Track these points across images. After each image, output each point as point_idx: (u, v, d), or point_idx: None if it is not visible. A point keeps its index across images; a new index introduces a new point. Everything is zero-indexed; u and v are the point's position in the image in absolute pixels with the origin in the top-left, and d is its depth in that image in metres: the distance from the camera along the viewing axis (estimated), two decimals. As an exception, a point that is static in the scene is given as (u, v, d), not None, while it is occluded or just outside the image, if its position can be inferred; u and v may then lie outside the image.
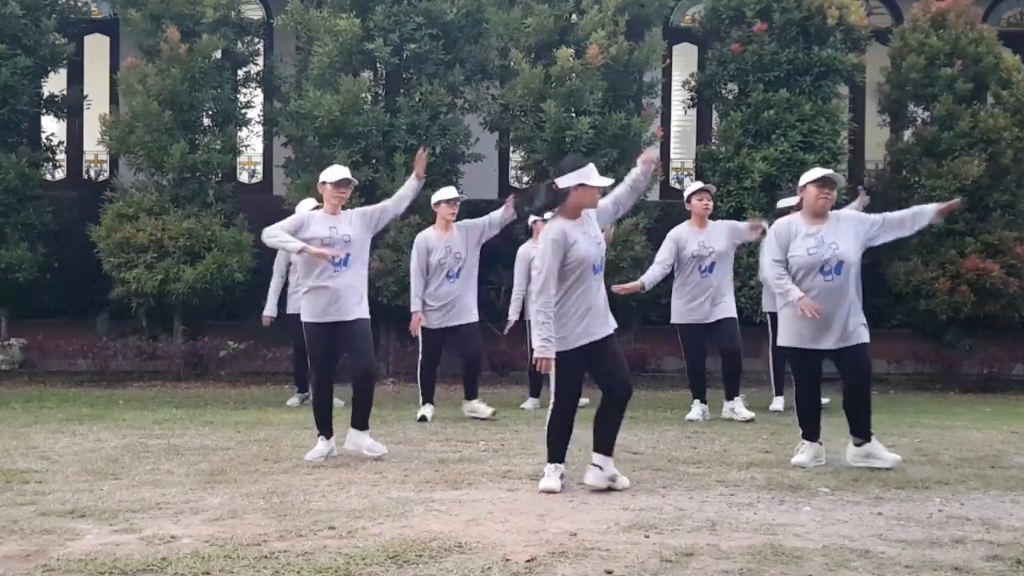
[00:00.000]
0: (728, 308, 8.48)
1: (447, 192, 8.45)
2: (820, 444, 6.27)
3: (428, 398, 8.37)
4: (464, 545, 4.24)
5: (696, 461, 6.35)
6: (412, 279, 8.32)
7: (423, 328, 8.31)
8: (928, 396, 11.16)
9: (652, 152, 5.96)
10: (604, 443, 5.47)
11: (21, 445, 6.85)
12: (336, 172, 6.56)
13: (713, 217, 8.71)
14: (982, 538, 4.50)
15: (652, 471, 5.97)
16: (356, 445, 6.47)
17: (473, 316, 8.46)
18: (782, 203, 8.36)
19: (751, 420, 8.26)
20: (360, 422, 6.50)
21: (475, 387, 8.49)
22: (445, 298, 8.27)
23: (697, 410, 8.45)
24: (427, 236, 8.34)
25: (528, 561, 4.01)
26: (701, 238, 8.38)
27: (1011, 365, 12.09)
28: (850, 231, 6.14)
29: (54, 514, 4.81)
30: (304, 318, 6.44)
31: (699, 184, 8.78)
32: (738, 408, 8.42)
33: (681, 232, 8.45)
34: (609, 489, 5.40)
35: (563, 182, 5.35)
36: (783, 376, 8.91)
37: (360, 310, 6.45)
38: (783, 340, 6.27)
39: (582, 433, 5.64)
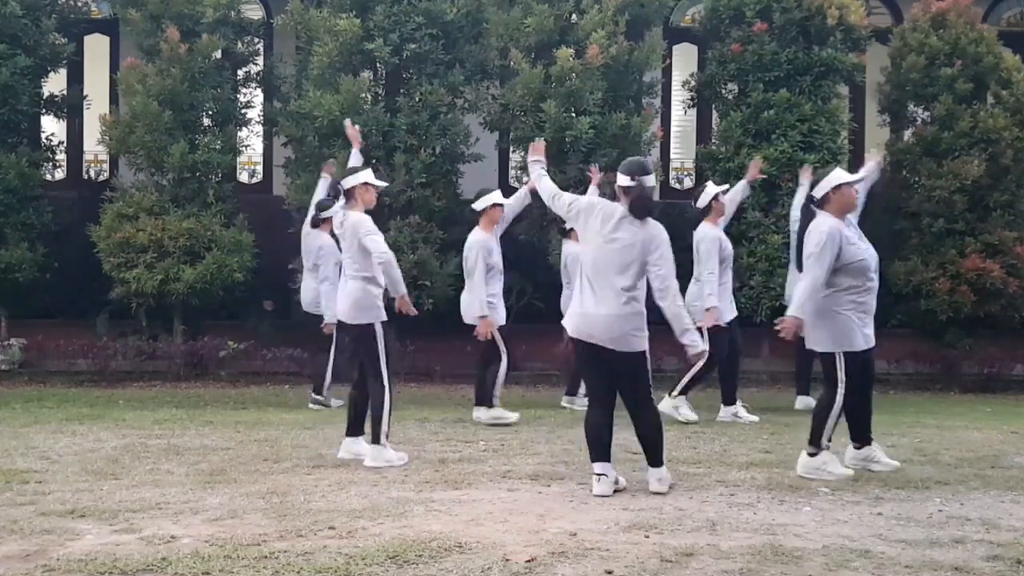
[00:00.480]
0: (734, 306, 8.56)
1: (500, 196, 8.41)
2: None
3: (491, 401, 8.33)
4: (464, 545, 4.24)
5: (696, 461, 6.35)
6: (478, 283, 8.10)
7: (501, 328, 8.23)
8: (928, 396, 11.15)
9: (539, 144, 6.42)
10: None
11: (21, 445, 6.84)
12: (373, 176, 6.71)
13: None
14: (982, 538, 4.51)
15: (652, 471, 5.96)
16: (356, 454, 6.41)
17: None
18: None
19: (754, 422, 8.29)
20: (358, 429, 6.49)
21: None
22: (501, 295, 8.37)
23: (689, 407, 8.34)
24: (485, 239, 8.22)
25: (528, 561, 4.02)
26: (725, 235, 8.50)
27: (1011, 365, 12.07)
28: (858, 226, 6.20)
29: (54, 514, 4.82)
30: (383, 319, 6.46)
31: (713, 185, 8.70)
32: (742, 413, 8.41)
33: (718, 233, 8.32)
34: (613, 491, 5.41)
35: (650, 181, 5.49)
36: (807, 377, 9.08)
37: None
38: (846, 345, 5.87)
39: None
